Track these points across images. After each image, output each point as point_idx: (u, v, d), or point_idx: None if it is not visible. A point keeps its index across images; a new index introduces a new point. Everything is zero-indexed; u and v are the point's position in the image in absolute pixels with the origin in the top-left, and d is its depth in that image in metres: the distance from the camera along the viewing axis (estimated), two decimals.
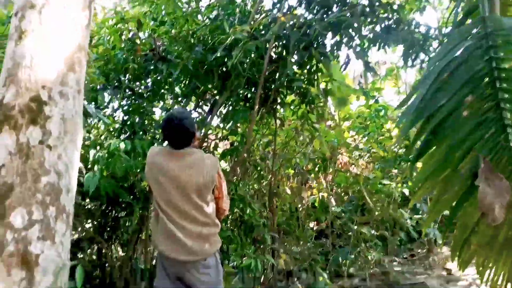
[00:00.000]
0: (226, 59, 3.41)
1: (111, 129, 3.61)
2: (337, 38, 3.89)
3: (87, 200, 3.36)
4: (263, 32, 3.58)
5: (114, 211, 3.38)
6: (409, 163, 6.31)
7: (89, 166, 2.81)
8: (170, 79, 3.72)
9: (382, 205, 5.13)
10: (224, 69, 3.51)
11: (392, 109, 6.97)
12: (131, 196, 3.20)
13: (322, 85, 4.55)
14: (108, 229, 3.46)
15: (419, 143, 2.16)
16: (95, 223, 3.50)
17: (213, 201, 2.47)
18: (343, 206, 6.07)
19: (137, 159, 2.91)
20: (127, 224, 3.49)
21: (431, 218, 2.27)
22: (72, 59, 1.37)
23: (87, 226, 3.53)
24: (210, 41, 3.41)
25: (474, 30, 2.09)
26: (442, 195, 2.16)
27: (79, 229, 3.39)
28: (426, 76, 2.12)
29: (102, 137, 3.28)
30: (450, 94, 2.03)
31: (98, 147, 2.78)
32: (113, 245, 3.45)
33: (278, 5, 3.83)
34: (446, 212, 2.37)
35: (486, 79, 1.93)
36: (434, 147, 2.09)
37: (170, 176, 2.35)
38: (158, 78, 3.82)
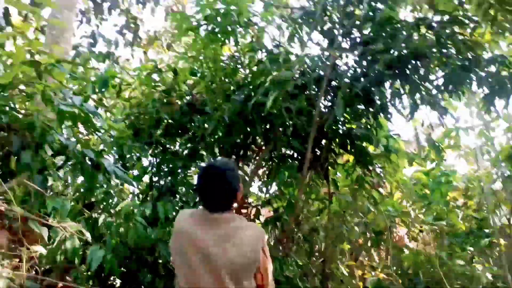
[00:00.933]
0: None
1: (137, 192, 3.09)
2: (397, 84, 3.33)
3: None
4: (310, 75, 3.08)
5: None
6: (488, 239, 5.29)
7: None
8: (207, 135, 3.23)
9: None
10: (266, 119, 2.98)
11: (457, 176, 6.09)
12: (151, 274, 2.54)
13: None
14: None
15: None
16: None
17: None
18: None
19: (159, 227, 2.31)
20: None
21: None
22: None
23: None
24: (250, 87, 2.94)
25: None
26: None
27: None
28: None
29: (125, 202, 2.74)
30: None
31: (112, 212, 2.22)
32: None
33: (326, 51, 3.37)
34: None
35: None
36: None
37: (200, 251, 1.70)
38: (195, 134, 3.36)
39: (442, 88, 3.31)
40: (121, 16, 9.70)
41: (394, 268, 5.59)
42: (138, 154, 3.04)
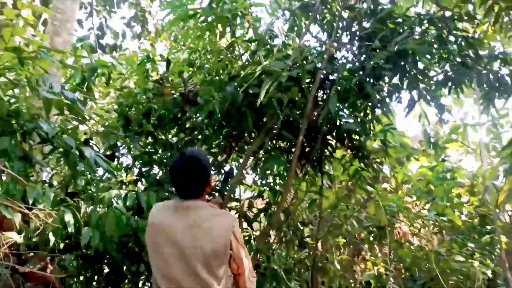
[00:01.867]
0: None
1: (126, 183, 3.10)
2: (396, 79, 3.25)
3: None
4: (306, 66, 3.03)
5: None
6: (489, 236, 5.19)
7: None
8: (199, 126, 3.22)
9: None
10: (258, 111, 2.94)
11: (461, 172, 5.97)
12: (135, 263, 2.56)
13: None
14: None
15: None
16: None
17: (229, 278, 1.77)
18: (405, 286, 4.97)
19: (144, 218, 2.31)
20: None
21: None
22: None
23: None
24: (243, 79, 2.90)
25: None
26: None
27: None
28: None
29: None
30: None
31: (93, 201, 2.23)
32: None
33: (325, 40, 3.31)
34: None
35: None
36: None
37: (170, 240, 1.71)
38: (187, 125, 3.35)
39: (441, 84, 3.23)
40: (130, 9, 9.70)
41: (394, 263, 5.56)
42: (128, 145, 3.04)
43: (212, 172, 1.88)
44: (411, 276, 5.35)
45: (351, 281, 4.88)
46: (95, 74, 2.66)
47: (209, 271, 1.68)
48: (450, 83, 3.22)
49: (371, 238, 5.22)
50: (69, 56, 2.99)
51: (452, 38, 3.02)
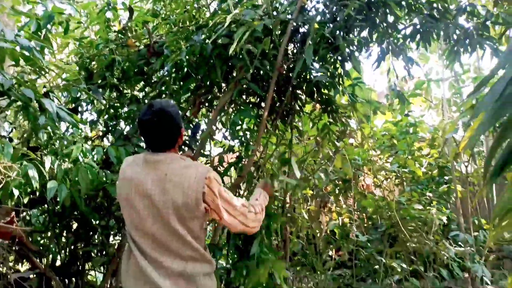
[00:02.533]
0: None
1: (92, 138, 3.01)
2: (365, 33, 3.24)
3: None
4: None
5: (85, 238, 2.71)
6: (447, 185, 5.53)
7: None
8: (165, 78, 3.11)
9: (419, 234, 4.31)
10: (227, 63, 2.86)
11: (423, 126, 6.21)
12: (106, 220, 2.54)
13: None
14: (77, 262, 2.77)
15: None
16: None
17: (204, 228, 1.79)
18: (368, 234, 5.28)
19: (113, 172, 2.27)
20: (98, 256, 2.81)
21: None
22: None
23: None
24: (212, 29, 2.79)
25: None
26: None
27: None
28: None
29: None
30: None
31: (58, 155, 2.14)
32: (80, 282, 2.77)
33: None
34: None
35: None
36: None
37: (142, 194, 1.70)
38: (153, 79, 3.23)
39: (410, 37, 3.26)
40: None
41: (358, 213, 5.85)
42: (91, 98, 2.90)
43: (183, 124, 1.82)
44: (373, 224, 5.67)
45: (317, 230, 5.12)
46: (52, 22, 2.47)
47: (182, 224, 1.69)
48: (418, 37, 3.26)
49: (337, 191, 5.44)
50: (21, 2, 2.75)
51: None
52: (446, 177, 5.64)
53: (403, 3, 2.93)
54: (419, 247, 4.29)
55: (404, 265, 4.56)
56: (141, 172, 1.72)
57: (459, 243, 5.02)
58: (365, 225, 5.69)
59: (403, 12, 3.02)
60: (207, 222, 1.86)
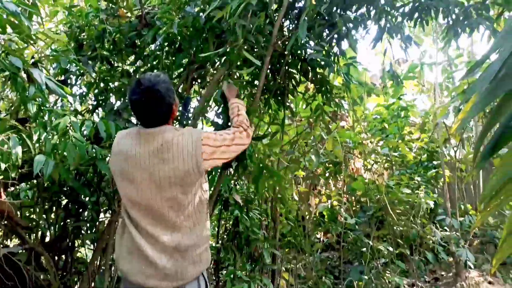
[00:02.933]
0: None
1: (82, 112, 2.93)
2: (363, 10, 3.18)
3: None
4: None
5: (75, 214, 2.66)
6: (435, 170, 5.60)
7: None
8: (159, 52, 3.02)
9: (406, 218, 4.37)
10: (221, 37, 2.79)
11: (415, 110, 6.24)
12: (96, 196, 2.50)
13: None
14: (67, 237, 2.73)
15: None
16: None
17: (203, 197, 1.77)
18: (356, 217, 5.34)
19: (103, 147, 2.21)
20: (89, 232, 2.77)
21: (507, 247, 1.51)
22: None
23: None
24: (206, 0, 2.71)
25: None
26: None
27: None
28: (509, 30, 1.37)
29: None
30: None
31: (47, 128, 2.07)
32: (70, 259, 2.74)
33: None
34: None
35: None
36: None
37: (140, 166, 1.67)
38: (145, 52, 3.14)
39: (408, 16, 3.20)
40: None
41: (347, 196, 5.91)
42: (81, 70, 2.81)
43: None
44: (361, 207, 5.73)
45: (307, 212, 5.16)
46: None
47: (181, 191, 1.67)
48: (416, 15, 3.21)
49: (327, 173, 5.47)
50: None
51: None
52: (435, 162, 5.71)
53: None
54: (406, 230, 4.36)
55: (391, 248, 4.64)
56: (136, 145, 1.68)
57: (445, 227, 5.12)
58: (354, 208, 5.76)
59: None
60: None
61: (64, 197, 2.71)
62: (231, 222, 2.84)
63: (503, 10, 2.79)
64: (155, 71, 3.14)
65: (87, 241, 2.86)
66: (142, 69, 3.17)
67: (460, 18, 2.82)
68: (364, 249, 4.67)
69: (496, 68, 1.25)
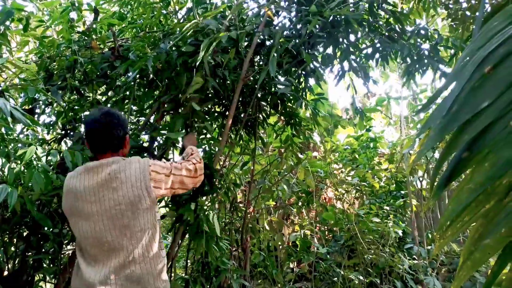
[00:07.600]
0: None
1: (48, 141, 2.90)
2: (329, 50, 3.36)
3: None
4: (244, 28, 3.00)
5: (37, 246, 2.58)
6: (403, 200, 5.75)
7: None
8: (132, 84, 3.06)
9: (376, 247, 4.44)
10: (193, 71, 2.87)
11: (383, 142, 6.47)
12: (59, 228, 2.44)
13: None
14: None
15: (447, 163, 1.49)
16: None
17: (155, 222, 1.76)
18: (328, 246, 5.38)
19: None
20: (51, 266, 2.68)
21: (463, 274, 1.60)
22: None
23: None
24: (179, 38, 2.80)
25: None
26: (482, 238, 1.53)
27: None
28: (459, 69, 1.52)
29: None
30: (495, 93, 1.42)
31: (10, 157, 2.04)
32: None
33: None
34: None
35: None
36: (471, 168, 1.46)
37: (89, 200, 1.68)
38: (116, 83, 3.17)
39: (370, 56, 3.41)
40: None
41: (319, 225, 5.96)
42: (50, 100, 2.81)
43: (128, 130, 1.86)
44: (333, 236, 5.78)
45: (279, 242, 5.16)
46: (11, 18, 2.38)
47: (133, 217, 1.68)
48: (377, 55, 3.42)
49: (300, 203, 5.52)
50: None
51: (381, 12, 3.18)
52: (403, 192, 5.87)
53: (364, 23, 3.07)
54: (376, 258, 4.41)
55: (361, 277, 4.67)
56: (84, 180, 1.70)
57: (413, 256, 5.21)
58: (326, 237, 5.80)
59: (364, 32, 3.16)
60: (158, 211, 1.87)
61: (25, 228, 2.62)
62: (201, 253, 2.81)
63: (456, 52, 3.02)
64: (126, 101, 3.18)
65: (48, 276, 2.75)
66: (113, 99, 3.19)
67: (415, 59, 3.02)
68: (336, 278, 4.68)
69: (448, 104, 1.37)
